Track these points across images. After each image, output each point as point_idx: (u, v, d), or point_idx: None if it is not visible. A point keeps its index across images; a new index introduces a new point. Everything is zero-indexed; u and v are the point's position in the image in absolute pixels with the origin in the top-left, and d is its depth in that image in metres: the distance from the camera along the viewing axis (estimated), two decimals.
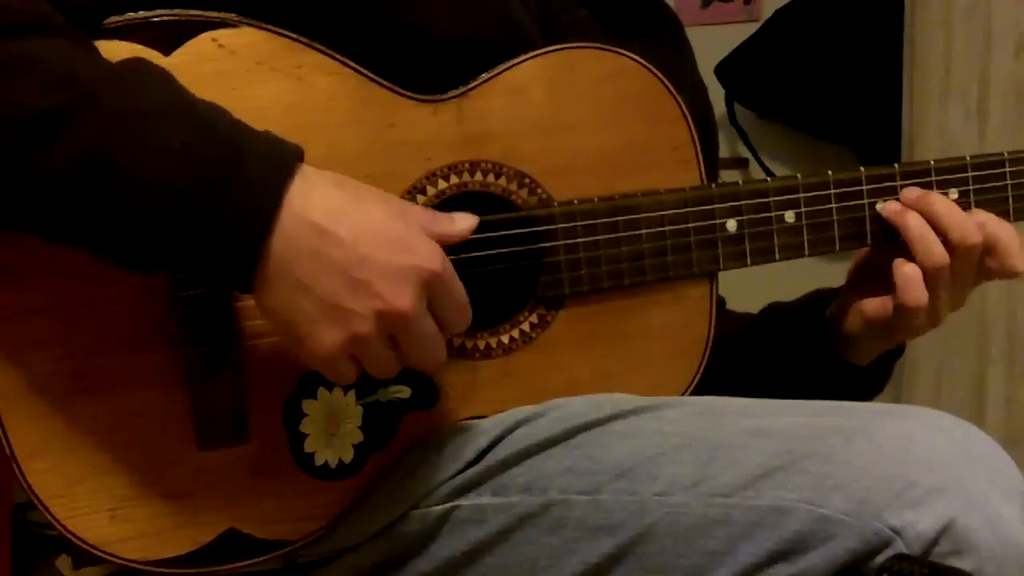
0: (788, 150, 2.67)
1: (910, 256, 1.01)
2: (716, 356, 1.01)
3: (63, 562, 0.92)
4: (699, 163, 1.00)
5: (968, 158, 1.04)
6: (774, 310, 1.18)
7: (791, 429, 0.86)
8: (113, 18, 0.87)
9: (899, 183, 1.03)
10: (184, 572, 0.89)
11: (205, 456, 0.89)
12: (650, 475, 0.86)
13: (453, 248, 0.88)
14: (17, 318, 0.85)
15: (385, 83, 0.93)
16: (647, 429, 0.89)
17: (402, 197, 0.93)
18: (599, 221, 0.97)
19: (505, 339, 0.96)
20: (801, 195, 1.01)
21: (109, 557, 0.88)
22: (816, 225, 1.01)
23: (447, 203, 0.94)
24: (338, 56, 0.91)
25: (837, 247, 1.02)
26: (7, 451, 0.86)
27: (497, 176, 0.95)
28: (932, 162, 1.04)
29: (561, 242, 0.96)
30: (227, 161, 0.79)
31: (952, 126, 2.25)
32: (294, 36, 0.90)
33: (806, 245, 1.01)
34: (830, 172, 1.01)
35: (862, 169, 1.02)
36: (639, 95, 0.99)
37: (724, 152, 2.69)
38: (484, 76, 0.95)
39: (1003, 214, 1.05)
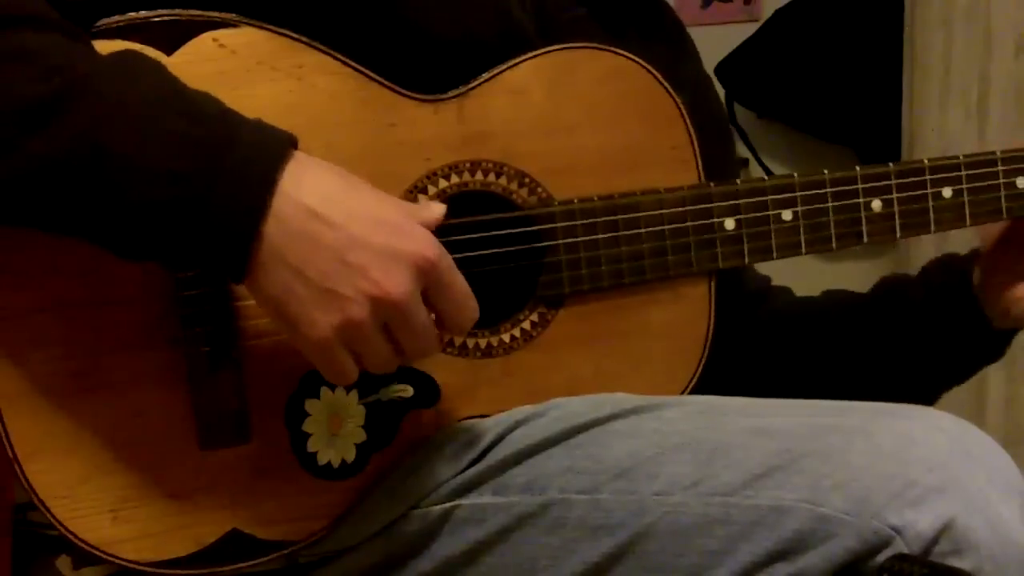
0: (788, 150, 2.66)
1: None
2: (812, 335, 1.04)
3: (63, 562, 0.92)
4: (697, 162, 1.00)
5: (961, 157, 1.05)
6: (897, 283, 1.17)
7: (791, 428, 0.86)
8: (114, 18, 0.87)
9: (894, 182, 1.03)
10: (186, 573, 0.89)
11: (207, 456, 0.89)
12: (650, 474, 0.86)
13: (454, 248, 0.88)
14: (18, 318, 0.85)
15: (386, 83, 0.93)
16: (647, 428, 0.89)
17: (403, 197, 0.93)
18: (599, 220, 0.97)
19: (506, 338, 0.97)
20: (798, 194, 1.01)
21: (110, 558, 0.88)
22: (813, 224, 1.01)
23: (447, 203, 0.94)
24: (339, 56, 0.91)
25: (834, 245, 1.03)
26: (8, 451, 0.85)
27: (498, 175, 0.96)
28: (926, 161, 1.04)
29: (561, 241, 0.96)
30: (219, 145, 0.79)
31: (952, 126, 2.25)
32: (295, 36, 0.90)
33: (803, 244, 1.01)
34: (826, 171, 1.02)
35: (858, 168, 1.02)
36: (638, 95, 0.99)
37: None
38: (484, 76, 0.95)
39: (996, 212, 1.05)
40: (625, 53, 0.98)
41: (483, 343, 0.96)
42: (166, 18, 0.88)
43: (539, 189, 0.96)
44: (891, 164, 1.03)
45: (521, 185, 0.96)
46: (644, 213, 0.98)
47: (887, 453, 0.82)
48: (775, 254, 1.01)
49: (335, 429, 0.92)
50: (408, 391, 0.94)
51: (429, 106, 0.94)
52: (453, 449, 0.93)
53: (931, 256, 1.18)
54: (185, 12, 0.88)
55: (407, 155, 0.93)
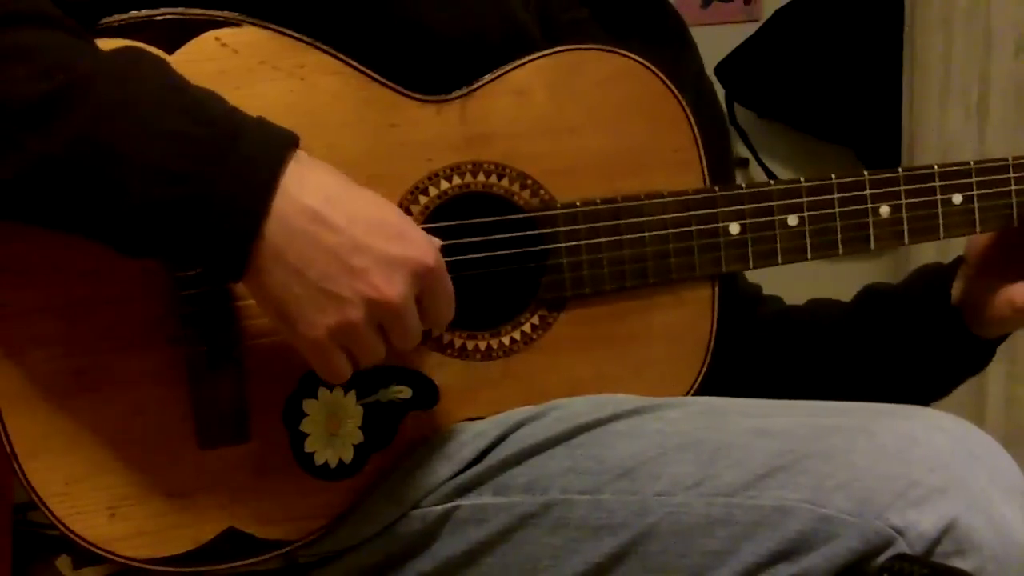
0: (788, 150, 2.66)
1: None
2: (798, 345, 1.02)
3: (63, 562, 0.92)
4: (701, 164, 1.00)
5: (972, 163, 1.04)
6: (878, 293, 1.17)
7: (793, 429, 0.86)
8: (116, 16, 0.87)
9: (903, 187, 1.02)
10: (184, 571, 0.89)
11: (205, 455, 0.89)
12: (652, 475, 0.86)
13: (455, 249, 0.88)
14: (19, 316, 0.85)
15: (388, 83, 0.93)
16: (649, 429, 0.89)
17: (404, 197, 0.93)
18: (601, 223, 0.97)
19: (506, 340, 0.96)
20: (804, 199, 1.00)
21: (109, 556, 0.88)
22: (819, 229, 1.01)
23: (448, 204, 0.94)
24: (341, 56, 0.91)
25: (840, 251, 1.02)
26: (7, 449, 0.85)
27: (499, 177, 0.95)
28: (936, 166, 1.03)
29: (563, 244, 0.96)
30: (222, 144, 0.79)
31: (952, 126, 2.25)
32: (297, 35, 0.90)
33: (808, 248, 1.01)
34: (833, 176, 1.01)
35: (866, 173, 1.02)
36: (641, 96, 0.99)
37: None
38: (487, 77, 0.95)
39: (1006, 219, 1.05)
40: (629, 54, 0.98)
41: (483, 345, 0.96)
42: (168, 17, 0.88)
43: (541, 191, 0.96)
44: (900, 169, 1.03)
45: (523, 187, 0.96)
46: (647, 216, 0.98)
47: (889, 453, 0.82)
48: (780, 259, 1.01)
49: (333, 429, 0.92)
50: (406, 392, 0.94)
51: (432, 107, 0.94)
52: (453, 449, 0.93)
53: (932, 259, 1.18)
54: (187, 11, 0.88)
55: (409, 156, 0.93)
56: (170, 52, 0.86)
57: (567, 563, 0.87)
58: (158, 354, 0.88)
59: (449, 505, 0.91)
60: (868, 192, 1.02)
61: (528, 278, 0.96)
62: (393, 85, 0.93)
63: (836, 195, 1.01)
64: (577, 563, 0.87)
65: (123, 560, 0.88)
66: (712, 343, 1.00)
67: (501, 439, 0.92)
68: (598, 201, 0.97)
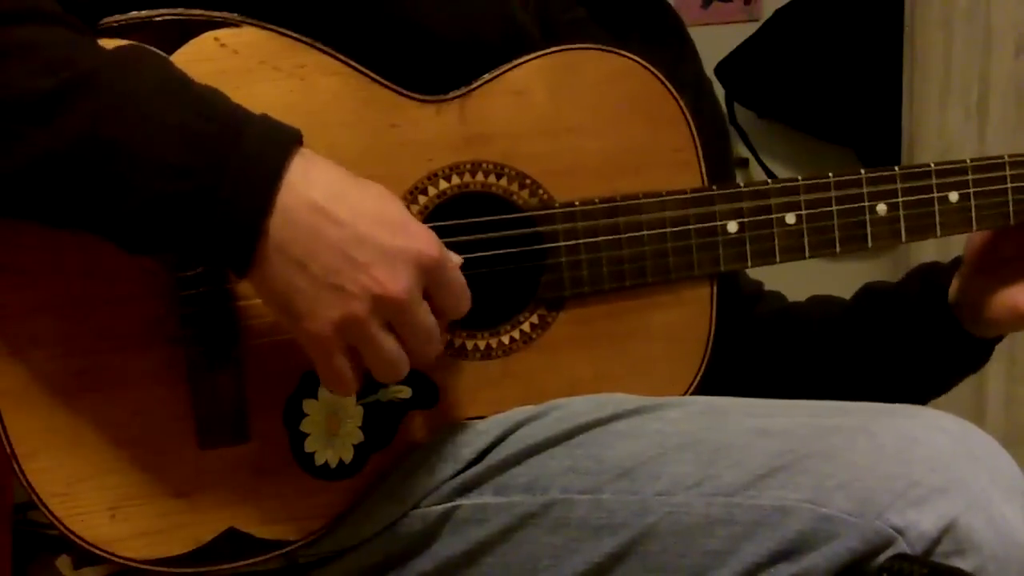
0: (788, 150, 2.66)
1: None
2: (796, 342, 1.02)
3: (63, 562, 0.92)
4: (700, 164, 1.00)
5: (968, 161, 1.04)
6: (877, 292, 1.17)
7: (793, 429, 0.86)
8: (115, 17, 0.87)
9: (899, 185, 1.03)
10: (184, 571, 0.89)
11: (205, 455, 0.89)
12: (652, 475, 0.86)
13: (454, 248, 0.87)
14: (18, 316, 0.85)
15: (387, 83, 0.93)
16: (649, 429, 0.89)
17: (404, 197, 0.93)
18: (600, 222, 0.97)
19: (505, 340, 0.96)
20: (802, 197, 1.01)
21: (108, 556, 0.88)
22: (817, 227, 1.01)
23: (448, 203, 0.94)
24: (340, 56, 0.91)
25: (837, 249, 1.02)
26: (7, 449, 0.86)
27: (498, 177, 0.95)
28: (932, 164, 1.04)
29: (562, 243, 0.96)
30: (226, 139, 0.80)
31: (952, 126, 2.25)
32: (296, 36, 0.90)
33: (807, 247, 1.01)
34: (831, 174, 1.01)
35: (863, 171, 1.02)
36: (640, 96, 0.99)
37: None
38: (486, 76, 0.95)
39: (1003, 217, 1.05)
40: (628, 54, 0.98)
41: (482, 344, 0.96)
42: (167, 17, 0.88)
43: (540, 190, 0.96)
44: (897, 167, 1.03)
45: (522, 186, 0.96)
46: (646, 215, 0.98)
47: (890, 453, 0.82)
48: (778, 257, 1.01)
49: (333, 429, 0.92)
50: (406, 392, 0.94)
51: (431, 107, 0.94)
52: (453, 449, 0.92)
53: (932, 258, 1.18)
54: (187, 11, 0.88)
55: (409, 156, 0.93)
56: (169, 53, 0.86)
57: (567, 563, 0.87)
58: (158, 354, 0.88)
59: (449, 505, 0.91)
60: (865, 190, 1.02)
61: (527, 277, 0.96)
62: (392, 85, 0.93)
63: (833, 193, 1.01)
64: (577, 563, 0.87)
65: (123, 561, 0.88)
66: (711, 341, 1.00)
67: (501, 439, 0.92)
68: (596, 200, 0.97)
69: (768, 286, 1.25)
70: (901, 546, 0.79)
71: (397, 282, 0.81)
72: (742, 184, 1.01)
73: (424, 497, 0.92)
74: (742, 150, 2.65)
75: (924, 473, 0.81)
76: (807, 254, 1.01)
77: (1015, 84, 2.21)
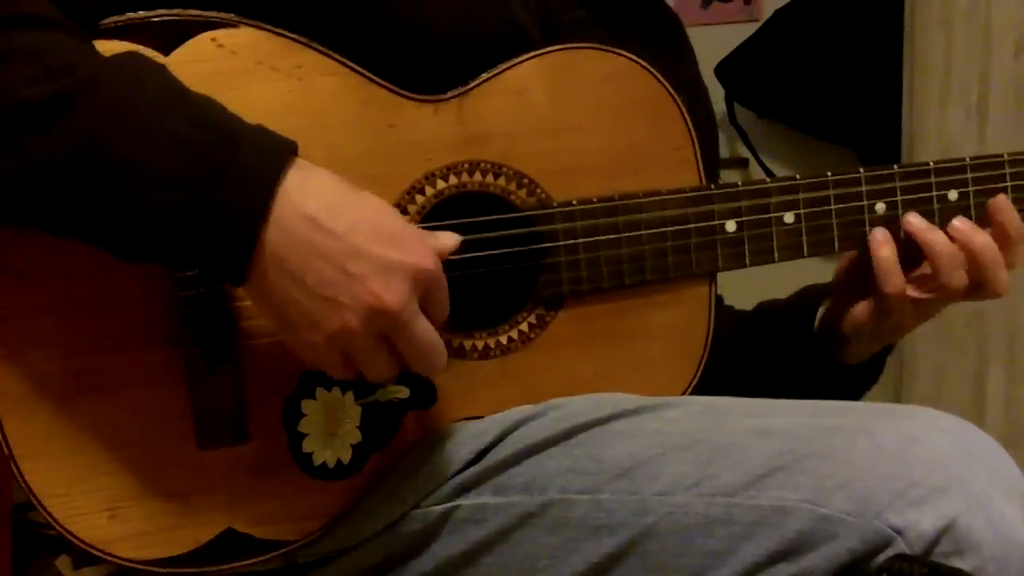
0: (788, 150, 2.66)
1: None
2: (714, 354, 1.01)
3: (63, 562, 0.92)
4: (698, 163, 1.00)
5: (968, 159, 1.04)
6: (766, 308, 1.18)
7: (793, 429, 0.86)
8: (113, 18, 0.87)
9: (898, 184, 1.02)
10: (183, 572, 0.89)
11: (204, 456, 0.89)
12: (651, 475, 0.86)
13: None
14: (18, 318, 0.85)
15: (385, 83, 0.93)
16: (648, 429, 0.89)
17: (402, 197, 0.93)
18: (599, 221, 0.97)
19: (504, 339, 0.96)
20: (800, 196, 1.00)
21: (108, 557, 0.88)
22: (815, 227, 1.01)
23: (445, 203, 0.94)
24: (338, 56, 0.91)
25: (836, 248, 1.02)
26: (6, 450, 0.86)
27: (496, 176, 0.95)
28: (931, 163, 1.03)
29: (561, 242, 0.96)
30: (223, 150, 0.80)
31: (952, 126, 2.24)
32: (294, 36, 0.90)
33: (805, 246, 1.01)
34: (829, 173, 1.01)
35: (861, 170, 1.02)
36: (639, 96, 0.99)
37: (724, 152, 2.69)
38: (484, 76, 0.95)
39: None
40: (627, 54, 0.98)
41: (481, 344, 0.96)
42: (165, 18, 0.88)
43: (538, 190, 0.96)
44: (895, 166, 1.03)
45: (520, 186, 0.96)
46: (644, 214, 0.98)
47: (889, 453, 0.82)
48: (776, 256, 1.01)
49: (332, 429, 0.92)
50: (404, 392, 0.94)
51: (429, 106, 0.94)
52: (453, 449, 0.92)
53: None
54: (184, 12, 0.88)
55: (407, 156, 0.93)
56: (166, 53, 0.87)
57: (566, 563, 0.87)
58: (157, 355, 0.88)
59: (448, 505, 0.91)
60: (864, 189, 1.02)
61: (525, 277, 0.96)
62: (390, 85, 0.93)
63: (832, 192, 1.01)
64: (576, 563, 0.87)
65: (122, 561, 0.88)
66: (710, 340, 1.00)
67: (500, 439, 0.92)
68: (595, 200, 0.97)
69: (768, 286, 1.25)
70: (900, 546, 0.79)
71: (392, 295, 0.81)
72: (740, 183, 1.01)
73: (423, 497, 0.92)
74: (742, 150, 2.65)
75: (923, 473, 0.81)
76: (806, 252, 1.01)
77: (1015, 84, 2.20)
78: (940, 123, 2.26)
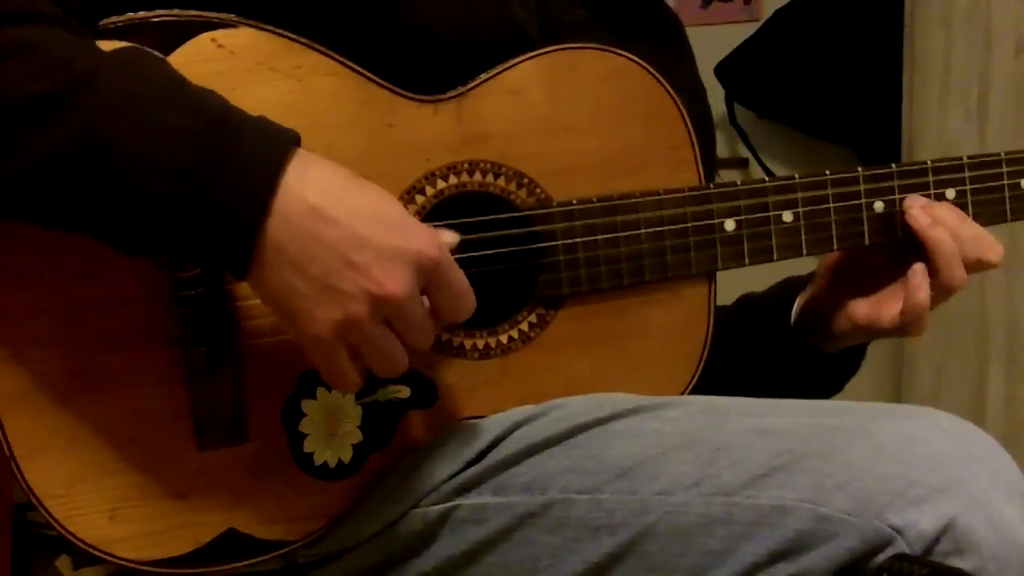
0: (788, 150, 2.67)
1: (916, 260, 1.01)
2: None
3: (63, 562, 0.92)
4: (697, 163, 1.00)
5: (965, 158, 1.04)
6: (746, 301, 1.18)
7: (792, 428, 0.86)
8: (113, 18, 0.87)
9: (896, 183, 1.03)
10: (183, 572, 0.89)
11: (204, 456, 0.89)
12: (651, 474, 0.86)
13: (452, 248, 0.87)
14: (18, 318, 0.85)
15: (385, 83, 0.93)
16: (648, 428, 0.89)
17: (401, 197, 0.93)
18: (598, 221, 0.97)
19: (504, 339, 0.96)
20: (799, 195, 1.01)
21: (108, 557, 0.88)
22: (814, 225, 1.01)
23: (445, 203, 0.94)
24: (338, 56, 0.91)
25: (835, 247, 1.03)
26: (6, 451, 0.86)
27: (496, 176, 0.95)
28: (929, 162, 1.04)
29: (560, 242, 0.96)
30: (223, 141, 0.79)
31: (952, 126, 2.25)
32: (293, 36, 0.90)
33: (804, 245, 1.01)
34: (827, 172, 1.01)
35: (860, 169, 1.02)
36: (638, 96, 0.99)
37: (724, 152, 2.69)
38: (484, 76, 0.95)
39: (1000, 214, 1.06)
40: (626, 54, 0.98)
41: (481, 344, 0.96)
42: (164, 18, 0.88)
43: (537, 190, 0.96)
44: (894, 165, 1.03)
45: (520, 186, 0.96)
46: (643, 214, 0.98)
47: (889, 453, 0.82)
48: (775, 255, 1.01)
49: (332, 429, 0.92)
50: (405, 392, 0.94)
51: (428, 107, 0.94)
52: (453, 449, 0.93)
53: None
54: (183, 12, 0.88)
55: (406, 156, 0.93)
56: (167, 54, 0.86)
57: (566, 563, 0.87)
58: (157, 355, 0.88)
59: (449, 505, 0.91)
60: (862, 187, 1.02)
61: (525, 277, 0.96)
62: (390, 85, 0.93)
63: (830, 191, 1.01)
64: (576, 563, 0.87)
65: (122, 562, 0.88)
66: (709, 340, 1.00)
67: (500, 439, 0.92)
68: (594, 199, 0.97)
69: (767, 285, 1.25)
70: (900, 546, 0.79)
71: (395, 282, 0.81)
72: (739, 182, 1.01)
73: (423, 497, 0.92)
74: (742, 150, 2.65)
75: (923, 473, 0.81)
76: (804, 252, 1.01)
77: (1015, 84, 2.21)
78: (940, 123, 2.26)
